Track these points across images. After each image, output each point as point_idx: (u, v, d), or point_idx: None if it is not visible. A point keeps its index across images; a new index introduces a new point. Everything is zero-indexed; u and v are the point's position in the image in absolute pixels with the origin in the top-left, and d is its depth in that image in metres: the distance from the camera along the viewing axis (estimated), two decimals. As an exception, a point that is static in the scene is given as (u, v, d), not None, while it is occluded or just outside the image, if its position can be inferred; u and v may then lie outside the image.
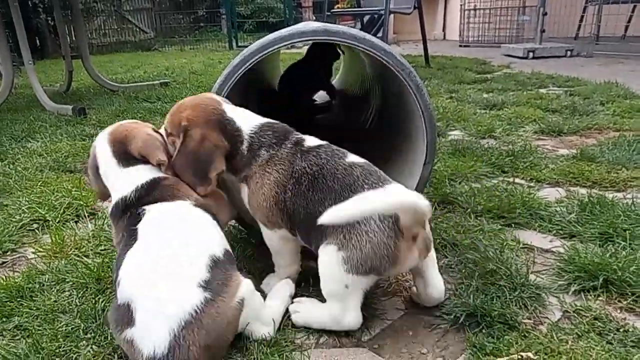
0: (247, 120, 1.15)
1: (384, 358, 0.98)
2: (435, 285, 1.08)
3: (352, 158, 1.10)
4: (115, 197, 1.10)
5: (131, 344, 0.88)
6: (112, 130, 1.15)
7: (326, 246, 1.01)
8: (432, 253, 1.07)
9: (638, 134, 2.26)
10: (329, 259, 1.00)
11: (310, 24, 1.35)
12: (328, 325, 1.04)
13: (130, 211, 1.05)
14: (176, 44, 9.80)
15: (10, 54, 3.77)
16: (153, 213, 1.03)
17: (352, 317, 1.02)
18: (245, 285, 0.97)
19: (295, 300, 1.12)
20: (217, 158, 1.10)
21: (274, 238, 1.15)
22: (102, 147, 1.13)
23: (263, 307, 1.03)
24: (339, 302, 1.02)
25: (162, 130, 1.19)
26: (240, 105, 1.19)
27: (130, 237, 1.00)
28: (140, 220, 1.02)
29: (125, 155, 1.11)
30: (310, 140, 1.14)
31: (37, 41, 8.22)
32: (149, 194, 1.07)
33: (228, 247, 1.05)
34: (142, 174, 1.10)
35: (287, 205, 1.08)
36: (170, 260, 0.94)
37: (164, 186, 1.09)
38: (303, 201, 1.06)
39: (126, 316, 0.89)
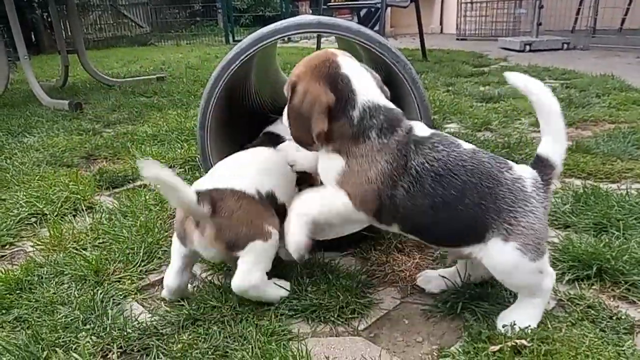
0: (367, 89, 1.01)
1: (380, 346, 0.99)
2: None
3: (466, 144, 1.02)
4: None
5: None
6: None
7: (494, 244, 0.94)
8: None
9: (633, 126, 2.28)
10: (508, 257, 0.93)
11: (305, 17, 1.34)
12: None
13: None
14: (172, 39, 9.75)
15: (6, 49, 3.75)
16: None
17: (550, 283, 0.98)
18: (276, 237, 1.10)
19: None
20: (318, 115, 0.96)
21: (350, 213, 1.00)
22: None
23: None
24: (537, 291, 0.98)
25: None
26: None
27: None
28: None
29: None
30: (420, 129, 1.02)
31: (33, 36, 8.16)
32: None
33: None
34: None
35: (394, 202, 0.97)
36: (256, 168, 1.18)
37: None
38: (427, 201, 0.95)
39: None
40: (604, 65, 4.19)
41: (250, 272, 1.06)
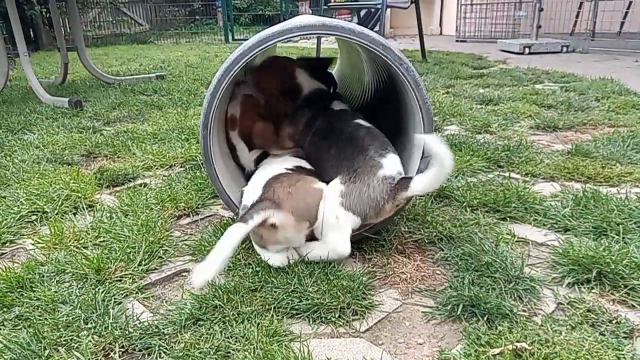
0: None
1: (381, 348, 0.99)
2: None
3: (361, 121, 1.43)
4: None
5: (244, 207, 1.24)
6: None
7: (334, 181, 1.29)
8: None
9: (632, 130, 2.29)
10: (332, 188, 1.26)
11: (308, 18, 1.35)
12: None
13: None
14: (172, 37, 9.74)
15: (5, 45, 3.74)
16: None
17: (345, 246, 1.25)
18: (325, 186, 1.28)
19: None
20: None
21: None
22: None
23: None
24: (334, 232, 1.24)
25: None
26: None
27: None
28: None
29: None
30: (337, 105, 1.56)
31: (32, 33, 8.14)
32: None
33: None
34: None
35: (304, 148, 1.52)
36: (274, 165, 1.40)
37: None
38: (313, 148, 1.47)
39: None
40: (603, 69, 4.21)
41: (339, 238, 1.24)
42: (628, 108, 2.73)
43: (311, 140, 1.49)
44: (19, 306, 1.12)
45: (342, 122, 1.44)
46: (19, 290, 1.18)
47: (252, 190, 1.26)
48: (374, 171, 1.25)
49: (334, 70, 3.57)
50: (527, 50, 5.49)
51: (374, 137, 1.35)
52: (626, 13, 5.82)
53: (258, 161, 1.54)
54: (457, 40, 7.23)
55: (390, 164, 1.28)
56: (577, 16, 6.11)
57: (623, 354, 0.92)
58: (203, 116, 1.27)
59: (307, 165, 1.42)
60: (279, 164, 1.37)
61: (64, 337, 1.00)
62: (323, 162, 1.40)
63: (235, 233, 1.08)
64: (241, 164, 1.60)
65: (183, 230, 1.52)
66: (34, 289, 1.18)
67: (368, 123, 1.44)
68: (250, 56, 1.23)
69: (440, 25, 9.00)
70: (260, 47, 1.23)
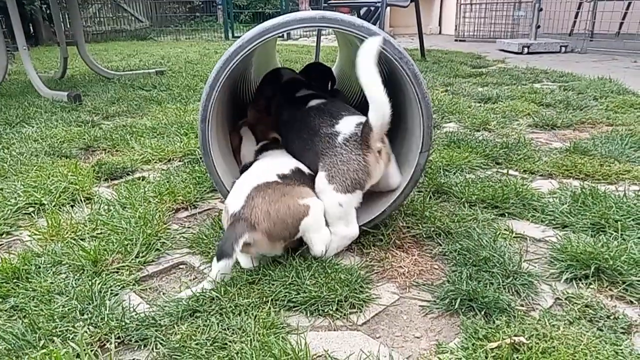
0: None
1: (379, 341, 0.99)
2: (394, 175, 1.38)
3: (313, 102, 1.47)
4: None
5: (225, 209, 1.22)
6: None
7: (318, 175, 1.29)
8: (392, 157, 1.37)
9: (630, 129, 2.29)
10: (319, 182, 1.27)
11: (308, 12, 1.34)
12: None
13: None
14: (172, 33, 9.71)
15: (4, 39, 3.72)
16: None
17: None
18: (314, 200, 1.23)
19: None
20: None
21: None
22: None
23: (323, 227, 1.24)
24: (340, 221, 1.26)
25: None
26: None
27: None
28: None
29: None
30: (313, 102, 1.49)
31: (31, 28, 8.11)
32: None
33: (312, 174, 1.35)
34: None
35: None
36: (269, 164, 1.36)
37: None
38: (285, 134, 1.53)
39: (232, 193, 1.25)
40: (601, 69, 4.21)
41: (320, 242, 1.23)
42: (626, 107, 2.73)
43: (283, 134, 1.54)
44: (14, 297, 1.11)
45: (299, 110, 1.47)
46: (14, 280, 1.17)
47: (237, 194, 1.22)
48: (334, 142, 1.28)
49: (334, 67, 3.57)
50: (526, 50, 5.49)
51: (322, 113, 1.38)
52: (625, 14, 5.83)
53: (258, 152, 1.54)
54: (456, 40, 7.23)
55: (345, 126, 1.30)
56: (576, 17, 6.11)
57: (621, 349, 0.91)
58: (202, 109, 1.27)
59: (307, 169, 1.37)
60: (274, 165, 1.33)
61: (60, 327, 1.00)
62: (298, 155, 1.42)
63: (224, 267, 1.11)
64: (240, 160, 1.60)
65: (181, 224, 1.51)
66: (29, 279, 1.18)
67: (321, 99, 1.47)
68: (249, 49, 1.23)
69: (440, 24, 8.99)
70: (259, 40, 1.22)
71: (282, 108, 1.58)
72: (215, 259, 1.12)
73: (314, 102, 1.46)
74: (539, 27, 5.64)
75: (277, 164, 1.35)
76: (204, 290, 1.11)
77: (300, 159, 1.41)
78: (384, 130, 1.25)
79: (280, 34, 1.27)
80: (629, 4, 5.83)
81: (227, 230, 1.16)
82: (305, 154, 1.38)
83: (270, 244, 1.18)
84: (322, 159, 1.29)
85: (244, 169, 1.44)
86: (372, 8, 5.42)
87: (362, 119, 1.30)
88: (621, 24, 5.94)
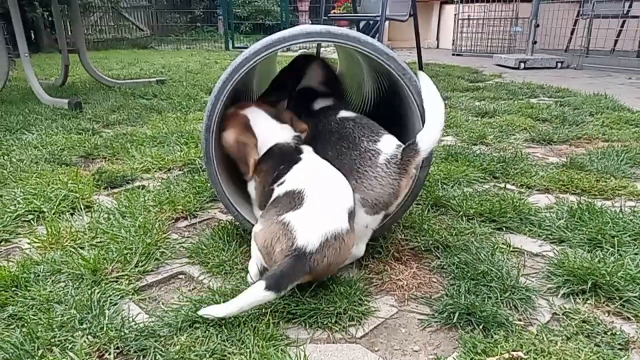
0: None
1: (377, 354, 0.99)
2: None
3: (344, 113, 1.39)
4: None
5: (286, 226, 1.06)
6: None
7: None
8: None
9: (626, 145, 2.32)
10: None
11: (314, 26, 1.36)
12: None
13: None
14: (172, 43, 9.78)
15: (6, 45, 3.74)
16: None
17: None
18: (358, 246, 1.22)
19: None
20: None
21: None
22: None
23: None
24: (362, 240, 1.27)
25: None
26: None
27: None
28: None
29: None
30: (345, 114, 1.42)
31: (32, 35, 8.15)
32: None
33: None
34: None
35: None
36: (333, 179, 1.18)
37: None
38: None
39: (293, 201, 1.10)
40: (597, 85, 4.27)
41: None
42: (622, 123, 2.76)
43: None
44: (12, 305, 1.11)
45: (328, 120, 1.39)
46: (13, 289, 1.17)
47: (313, 226, 1.07)
48: (375, 161, 1.23)
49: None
50: (522, 65, 5.57)
51: (362, 126, 1.32)
52: (620, 31, 5.93)
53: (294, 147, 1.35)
54: (453, 54, 7.31)
55: (387, 145, 1.26)
56: (572, 33, 6.21)
57: (618, 365, 0.92)
58: (206, 118, 1.28)
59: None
60: (343, 195, 1.16)
61: (58, 337, 1.00)
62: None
63: (263, 297, 1.01)
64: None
65: (180, 233, 1.51)
66: (28, 288, 1.17)
67: (352, 112, 1.41)
68: (255, 61, 1.24)
69: (437, 38, 9.09)
70: (265, 53, 1.24)
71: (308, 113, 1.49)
72: (262, 283, 1.01)
73: (344, 114, 1.39)
74: (535, 42, 5.72)
75: (344, 191, 1.17)
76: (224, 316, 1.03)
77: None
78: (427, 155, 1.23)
79: (286, 48, 1.29)
80: (624, 21, 5.93)
81: (289, 263, 1.03)
82: (337, 165, 1.28)
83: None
84: (357, 176, 1.23)
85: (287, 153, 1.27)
86: (372, 22, 5.49)
87: (396, 140, 1.28)
88: (616, 41, 6.04)
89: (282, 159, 1.26)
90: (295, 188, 1.14)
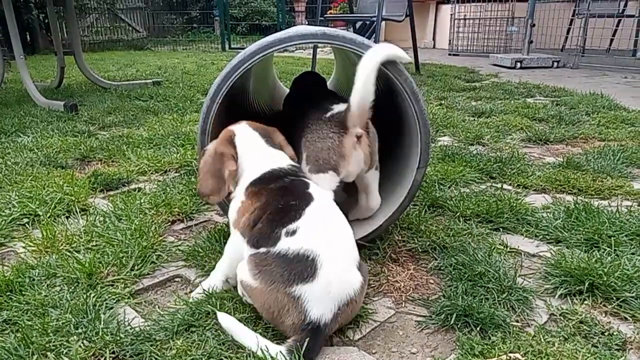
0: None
1: (375, 357, 0.99)
2: (375, 198, 1.38)
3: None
4: None
5: (296, 300, 0.96)
6: None
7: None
8: (377, 171, 1.35)
9: (622, 144, 2.33)
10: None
11: (309, 27, 1.36)
12: None
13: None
14: (169, 44, 9.76)
15: (1, 47, 3.73)
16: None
17: None
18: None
19: None
20: None
21: None
22: None
23: None
24: None
25: None
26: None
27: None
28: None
29: None
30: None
31: (28, 37, 8.11)
32: None
33: None
34: None
35: None
36: (338, 234, 1.06)
37: None
38: None
39: (305, 271, 0.97)
40: (592, 84, 4.28)
41: None
42: (618, 123, 2.77)
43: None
44: (7, 310, 1.10)
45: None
46: (7, 293, 1.16)
47: (327, 297, 0.97)
48: (321, 118, 1.26)
49: (329, 80, 3.60)
50: (518, 64, 5.58)
51: (323, 102, 1.36)
52: (615, 31, 5.95)
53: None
54: (449, 54, 7.32)
55: (337, 106, 1.28)
56: (567, 32, 6.23)
57: (615, 366, 0.92)
58: (202, 120, 1.27)
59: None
60: (350, 246, 1.07)
61: (53, 342, 0.99)
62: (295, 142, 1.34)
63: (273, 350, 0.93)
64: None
65: (177, 236, 1.51)
66: (23, 292, 1.16)
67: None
68: (250, 63, 1.24)
69: (434, 38, 9.10)
70: (261, 54, 1.24)
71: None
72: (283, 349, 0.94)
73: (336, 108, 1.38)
74: (531, 42, 5.73)
75: (351, 242, 1.08)
76: None
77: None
78: (364, 115, 1.21)
79: (282, 49, 1.29)
80: (619, 21, 5.96)
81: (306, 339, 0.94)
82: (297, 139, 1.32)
83: None
84: (307, 133, 1.27)
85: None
86: (368, 22, 5.50)
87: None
88: (611, 40, 6.07)
89: (290, 192, 1.11)
90: (307, 251, 0.99)
